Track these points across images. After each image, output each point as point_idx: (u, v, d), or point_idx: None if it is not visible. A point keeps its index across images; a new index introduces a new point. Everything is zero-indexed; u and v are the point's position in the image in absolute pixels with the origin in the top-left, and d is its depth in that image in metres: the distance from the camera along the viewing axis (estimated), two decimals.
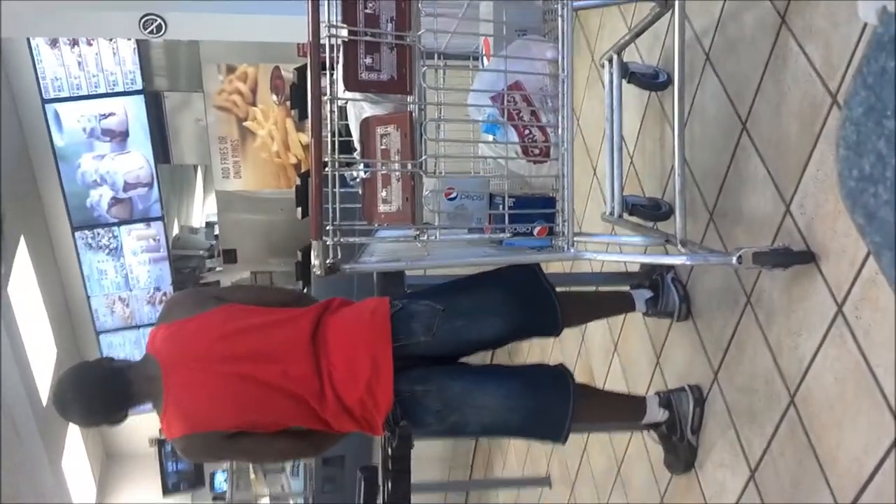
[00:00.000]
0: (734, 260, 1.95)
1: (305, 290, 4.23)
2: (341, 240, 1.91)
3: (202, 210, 8.15)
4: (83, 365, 2.36)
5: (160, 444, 6.79)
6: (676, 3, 2.04)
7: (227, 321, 2.23)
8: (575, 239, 2.05)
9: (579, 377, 3.37)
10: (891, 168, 0.79)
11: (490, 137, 2.10)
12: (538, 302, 2.31)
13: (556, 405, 2.26)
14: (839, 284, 1.82)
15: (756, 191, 2.13)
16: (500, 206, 2.05)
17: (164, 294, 6.07)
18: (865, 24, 1.67)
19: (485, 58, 2.18)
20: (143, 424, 3.52)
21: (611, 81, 2.55)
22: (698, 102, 2.41)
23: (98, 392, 2.20)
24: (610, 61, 2.57)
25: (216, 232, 6.58)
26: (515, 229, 2.06)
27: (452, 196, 2.05)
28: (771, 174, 2.07)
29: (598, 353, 3.29)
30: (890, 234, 0.79)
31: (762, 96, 2.11)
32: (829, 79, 1.83)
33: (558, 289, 2.37)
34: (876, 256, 0.83)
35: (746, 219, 2.20)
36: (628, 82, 2.61)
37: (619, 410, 2.53)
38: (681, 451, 2.43)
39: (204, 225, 7.56)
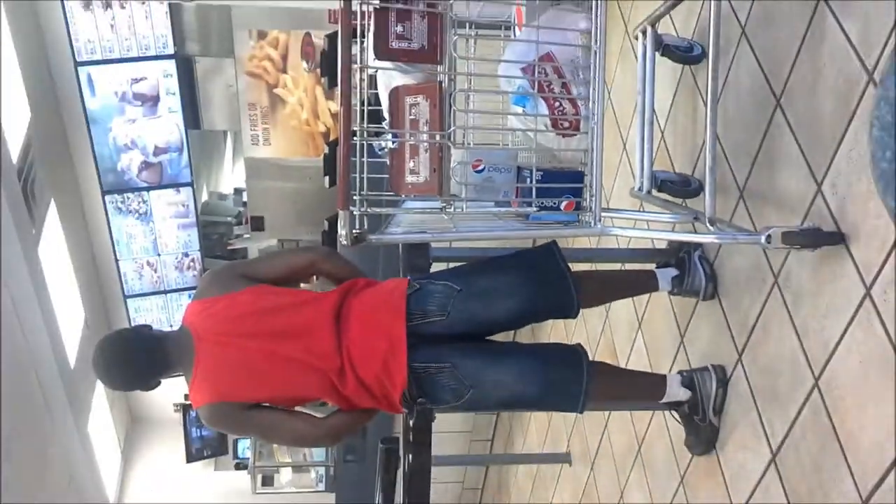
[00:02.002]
0: (763, 239, 1.93)
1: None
2: (368, 210, 1.92)
3: (231, 176, 8.18)
4: (125, 331, 2.59)
5: (185, 409, 6.86)
6: None
7: (257, 300, 2.33)
8: (602, 214, 2.03)
9: (602, 355, 3.39)
10: None
11: (520, 109, 2.09)
12: (554, 284, 2.33)
13: (570, 379, 2.29)
14: (868, 267, 1.79)
15: (788, 169, 2.11)
16: (528, 180, 2.04)
17: (192, 260, 6.10)
18: None
19: (517, 27, 2.15)
20: (168, 391, 3.57)
21: (644, 54, 2.52)
22: (732, 77, 2.38)
23: (139, 358, 2.33)
24: (644, 33, 2.53)
25: (244, 199, 6.60)
26: (542, 203, 2.05)
27: (480, 168, 2.05)
28: (804, 152, 2.04)
29: (622, 330, 3.28)
30: None
31: (797, 72, 2.07)
32: (866, 56, 1.79)
33: (583, 265, 2.37)
34: None
35: (777, 197, 2.17)
36: (662, 55, 2.57)
37: (638, 388, 2.54)
38: (702, 432, 2.43)
39: (233, 192, 7.59)
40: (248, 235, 6.22)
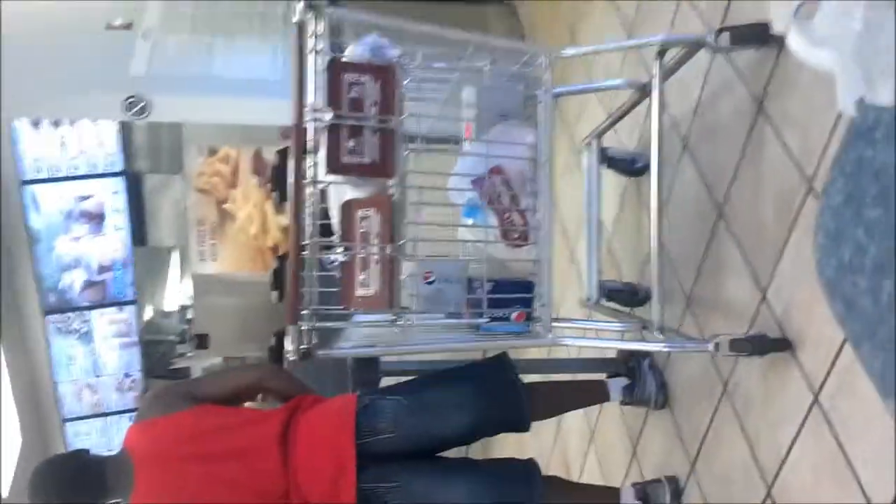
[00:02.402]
0: (711, 347, 1.95)
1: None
2: (317, 324, 1.89)
3: (176, 294, 8.07)
4: (61, 457, 2.51)
5: None
6: (654, 89, 2.08)
7: (200, 421, 2.27)
8: (553, 324, 2.04)
9: (555, 468, 3.33)
10: (869, 257, 0.79)
11: (470, 221, 2.11)
12: (505, 397, 2.31)
13: (523, 497, 2.24)
14: (816, 373, 1.81)
15: (733, 277, 2.14)
16: (479, 291, 2.04)
17: (133, 380, 5.94)
18: (840, 113, 1.71)
19: (466, 142, 2.20)
20: None
21: (590, 166, 2.59)
22: (676, 188, 2.45)
23: (75, 484, 2.24)
24: (589, 146, 2.61)
25: (189, 316, 6.49)
26: (493, 314, 2.05)
27: (431, 280, 2.05)
28: (747, 260, 2.08)
29: (574, 442, 3.24)
30: (869, 324, 0.79)
31: (739, 182, 2.14)
32: (805, 166, 1.86)
33: (535, 376, 2.36)
34: (855, 346, 0.82)
35: (723, 305, 2.20)
36: (607, 167, 2.65)
37: (591, 502, 2.49)
38: None
39: (177, 309, 7.48)
40: (191, 354, 6.09)
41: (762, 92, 2.03)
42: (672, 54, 2.10)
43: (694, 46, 2.06)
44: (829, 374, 1.76)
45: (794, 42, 0.54)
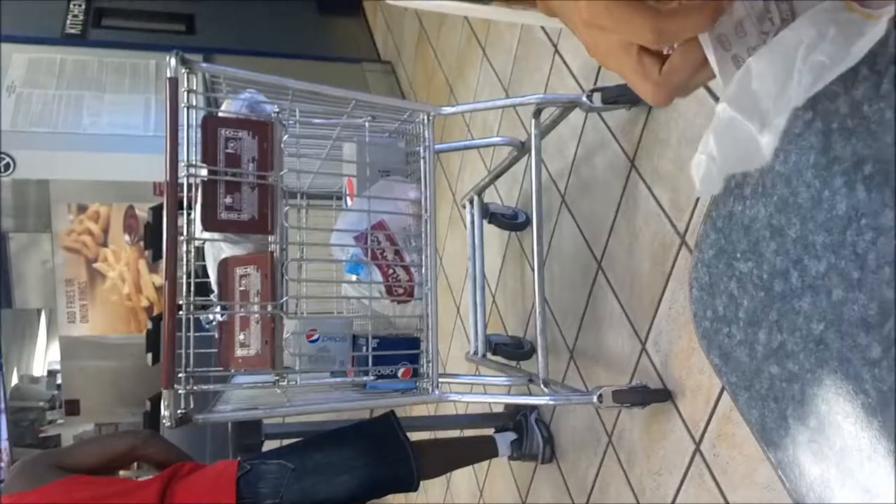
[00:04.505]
0: (595, 399, 1.96)
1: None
2: (194, 388, 1.81)
3: (44, 357, 7.67)
4: None
5: None
6: (532, 146, 2.12)
7: (71, 492, 2.12)
8: (440, 380, 2.02)
9: None
10: (743, 308, 0.81)
11: (353, 277, 2.07)
12: (393, 457, 2.27)
13: None
14: (696, 422, 1.85)
15: (613, 329, 2.18)
16: (364, 348, 2.01)
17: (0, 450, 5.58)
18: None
19: (348, 197, 2.18)
20: None
21: (472, 221, 2.61)
22: (556, 242, 2.49)
23: None
24: (471, 202, 2.63)
25: (58, 381, 6.19)
26: (379, 371, 2.02)
27: (314, 338, 2.00)
28: (626, 312, 2.13)
29: (463, 499, 3.21)
30: (745, 374, 0.80)
31: (616, 236, 2.19)
32: (677, 220, 1.93)
33: (423, 434, 2.33)
34: (733, 396, 0.83)
35: (606, 357, 2.24)
36: (489, 222, 2.67)
37: None
38: None
39: (45, 373, 7.12)
40: (61, 420, 5.78)
41: (634, 149, 2.10)
42: (548, 113, 2.15)
43: (568, 105, 2.12)
44: (708, 422, 1.80)
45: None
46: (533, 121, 2.11)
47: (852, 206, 0.65)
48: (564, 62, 2.49)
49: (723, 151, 0.52)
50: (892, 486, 0.61)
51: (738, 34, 0.57)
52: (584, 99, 2.05)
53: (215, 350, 1.88)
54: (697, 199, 1.84)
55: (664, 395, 1.94)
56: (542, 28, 2.61)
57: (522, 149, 2.33)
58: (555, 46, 2.54)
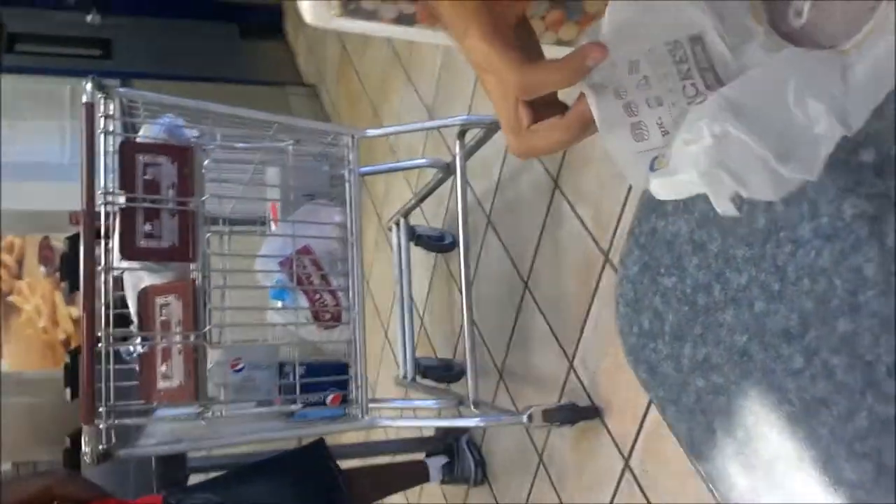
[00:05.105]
0: (525, 419, 1.97)
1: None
2: (115, 422, 1.75)
3: None
4: None
5: None
6: (457, 168, 2.13)
7: None
8: (369, 405, 1.99)
9: None
10: (668, 323, 0.82)
11: (279, 304, 2.04)
12: (323, 487, 2.24)
13: None
14: (624, 438, 1.87)
15: (541, 348, 2.19)
16: (291, 376, 1.97)
17: None
18: (630, 186, 1.81)
19: (272, 222, 2.15)
20: None
21: (398, 244, 2.60)
22: (483, 263, 2.49)
23: None
24: (397, 224, 2.62)
25: None
26: (307, 399, 1.98)
27: (239, 367, 1.96)
28: (553, 331, 2.14)
29: None
30: (672, 388, 0.81)
31: (541, 256, 2.21)
32: (600, 238, 1.95)
33: (353, 462, 2.30)
34: (661, 410, 0.84)
35: (535, 376, 2.25)
36: (416, 245, 2.66)
37: None
38: None
39: None
40: None
41: (558, 169, 2.13)
42: (472, 134, 2.17)
43: (492, 126, 2.13)
44: (637, 438, 1.82)
45: (660, 191, 0.55)
46: (457, 142, 2.12)
47: (771, 219, 0.67)
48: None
49: (741, 173, 0.52)
50: (818, 493, 0.62)
51: (639, 87, 0.57)
52: None
53: (136, 383, 1.83)
54: (620, 218, 1.87)
55: (593, 413, 1.96)
56: None
57: (447, 170, 2.34)
58: (461, 52, 2.56)
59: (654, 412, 1.76)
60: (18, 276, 4.90)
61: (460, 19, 0.59)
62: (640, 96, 0.57)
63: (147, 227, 1.76)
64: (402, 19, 0.65)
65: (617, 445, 1.89)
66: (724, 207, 0.52)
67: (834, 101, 0.51)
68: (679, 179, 0.54)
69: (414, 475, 2.56)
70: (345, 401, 2.02)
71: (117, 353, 1.82)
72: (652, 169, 0.56)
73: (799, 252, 0.64)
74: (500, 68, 0.57)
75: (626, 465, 1.85)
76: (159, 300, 1.78)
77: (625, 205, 1.86)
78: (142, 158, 1.77)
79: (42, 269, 4.91)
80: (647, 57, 0.57)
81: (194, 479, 2.36)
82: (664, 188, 0.55)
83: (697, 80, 0.57)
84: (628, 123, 0.57)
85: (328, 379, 2.01)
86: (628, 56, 0.57)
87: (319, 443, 2.29)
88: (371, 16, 0.64)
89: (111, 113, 1.75)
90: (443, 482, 2.55)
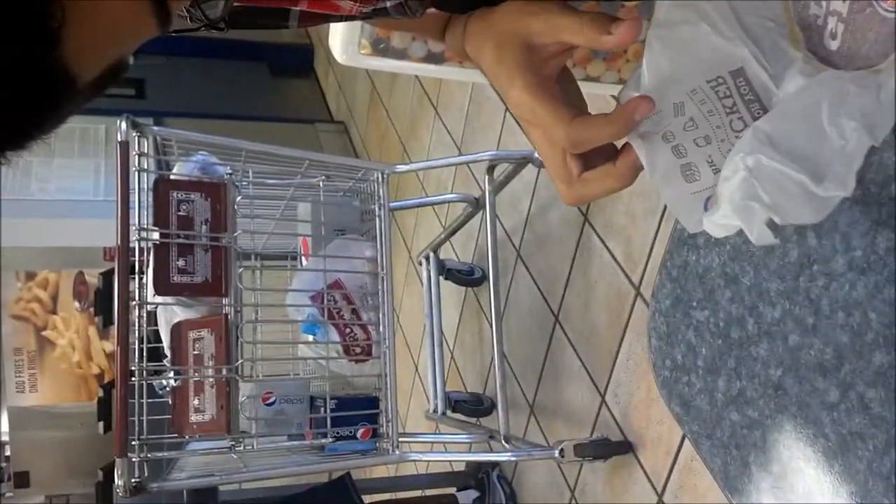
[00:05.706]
0: (556, 453, 1.95)
1: None
2: (148, 455, 1.76)
3: None
4: None
5: None
6: (487, 203, 2.14)
7: None
8: (400, 440, 1.99)
9: None
10: (701, 357, 0.81)
11: (310, 338, 2.05)
12: None
13: None
14: (657, 473, 1.84)
15: (573, 382, 2.18)
16: (322, 409, 1.98)
17: None
18: (661, 221, 1.80)
19: (303, 257, 2.17)
20: None
21: (428, 278, 2.60)
22: (513, 297, 2.49)
23: None
24: (427, 259, 2.63)
25: (6, 453, 6.00)
26: (338, 433, 1.98)
27: (271, 401, 1.96)
28: (585, 365, 2.13)
29: None
30: (706, 423, 0.80)
31: (571, 290, 2.20)
32: (631, 272, 1.94)
33: (383, 496, 2.29)
34: (695, 445, 0.83)
35: (566, 410, 2.23)
36: (445, 279, 2.67)
37: None
38: None
39: None
40: (10, 494, 5.58)
41: (587, 204, 2.13)
42: (501, 169, 2.18)
43: (521, 161, 2.14)
44: (670, 473, 1.80)
45: (713, 230, 0.56)
46: (486, 177, 2.13)
47: (804, 252, 0.66)
48: (516, 120, 2.52)
49: (776, 201, 0.52)
50: None
51: (686, 128, 0.58)
52: (537, 154, 2.07)
53: (169, 416, 1.84)
54: (650, 251, 1.86)
55: (625, 448, 1.94)
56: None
57: (477, 205, 2.34)
58: (506, 104, 2.58)
59: (687, 447, 1.74)
60: (53, 311, 4.97)
61: (505, 75, 0.60)
62: (688, 137, 0.57)
63: (180, 263, 1.78)
64: (431, 58, 0.66)
65: (650, 481, 1.86)
66: (760, 235, 0.52)
67: (865, 118, 0.51)
68: (722, 215, 0.54)
69: None
70: (375, 434, 2.02)
71: (150, 387, 1.84)
72: (706, 209, 0.56)
73: (833, 285, 0.64)
74: (547, 123, 0.57)
75: (660, 501, 1.83)
76: (192, 334, 1.80)
77: (655, 238, 1.86)
78: (175, 195, 1.80)
79: (76, 304, 4.98)
80: (691, 97, 0.57)
81: None
82: (715, 227, 0.55)
83: (744, 114, 0.57)
84: (678, 165, 0.58)
85: (359, 413, 2.01)
86: (672, 99, 0.57)
87: (346, 477, 2.28)
88: (401, 55, 0.65)
89: (145, 151, 1.79)
90: None
